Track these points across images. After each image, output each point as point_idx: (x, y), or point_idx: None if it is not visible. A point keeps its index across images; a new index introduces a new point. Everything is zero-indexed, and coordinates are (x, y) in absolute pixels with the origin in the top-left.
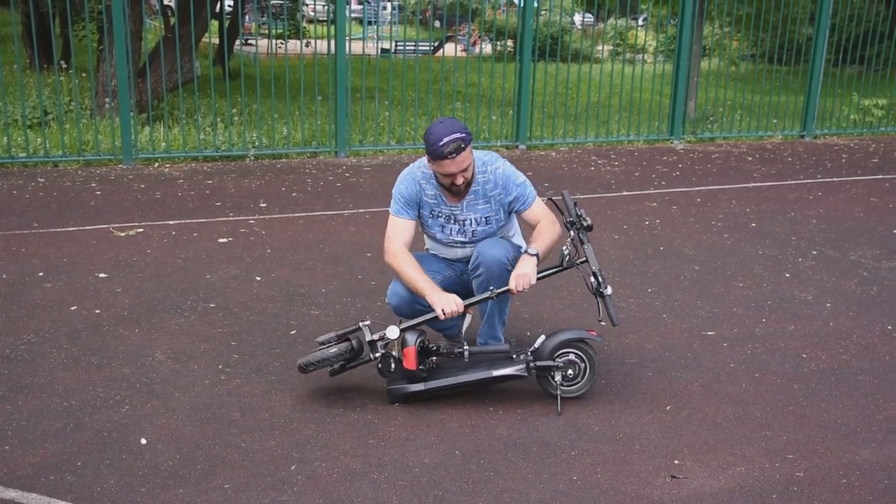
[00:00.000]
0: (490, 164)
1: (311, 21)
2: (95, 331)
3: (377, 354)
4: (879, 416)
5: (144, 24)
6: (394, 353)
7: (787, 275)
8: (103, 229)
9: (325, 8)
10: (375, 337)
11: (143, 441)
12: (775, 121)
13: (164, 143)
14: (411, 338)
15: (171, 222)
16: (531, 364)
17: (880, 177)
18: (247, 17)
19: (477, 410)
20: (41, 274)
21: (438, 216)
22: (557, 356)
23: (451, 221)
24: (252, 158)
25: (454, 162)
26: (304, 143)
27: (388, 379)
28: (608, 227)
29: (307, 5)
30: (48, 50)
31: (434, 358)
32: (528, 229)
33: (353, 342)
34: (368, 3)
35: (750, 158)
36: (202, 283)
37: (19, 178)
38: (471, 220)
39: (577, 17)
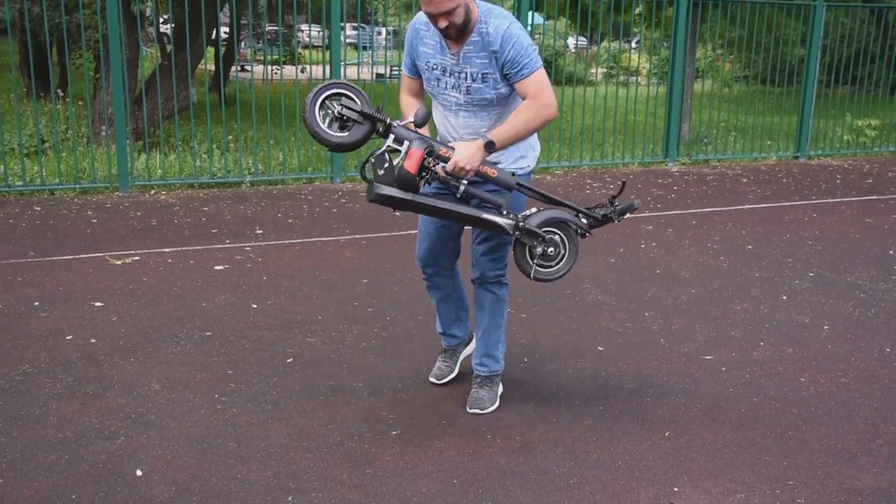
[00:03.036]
0: (494, 17)
1: (306, 47)
2: (91, 360)
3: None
4: (880, 441)
5: (141, 52)
6: (391, 155)
7: (784, 297)
8: (99, 257)
9: (321, 34)
10: (394, 144)
11: (139, 473)
12: (769, 142)
13: (160, 171)
14: (418, 142)
15: (167, 250)
16: (520, 225)
17: (875, 197)
18: (242, 43)
19: (475, 438)
20: (37, 303)
21: (434, 68)
22: (545, 230)
23: (447, 74)
24: (248, 185)
25: (432, 2)
26: (299, 169)
27: (373, 180)
28: (604, 251)
29: (302, 31)
30: (45, 78)
31: (428, 177)
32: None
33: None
34: (363, 28)
35: (745, 180)
36: (198, 312)
37: (16, 207)
38: (467, 73)
39: (571, 41)
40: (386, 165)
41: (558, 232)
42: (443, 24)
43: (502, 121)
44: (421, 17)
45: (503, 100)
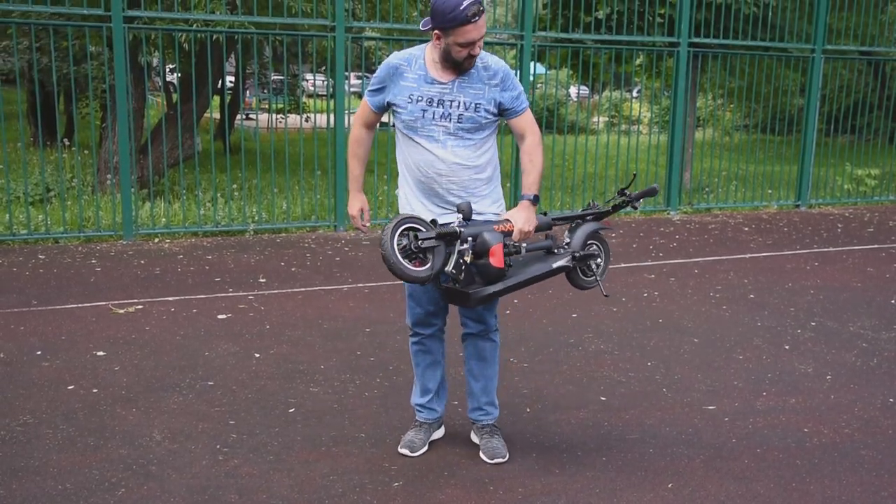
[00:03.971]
0: (488, 55)
1: (310, 96)
2: (92, 411)
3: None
4: (884, 493)
5: (147, 101)
6: (465, 257)
7: (787, 346)
8: (103, 306)
9: (325, 83)
10: (463, 246)
11: None
12: (770, 191)
13: (164, 219)
14: (493, 237)
15: (170, 299)
16: (576, 255)
17: (876, 246)
18: (248, 92)
19: (477, 490)
20: (39, 352)
21: (419, 100)
22: (586, 246)
23: (434, 104)
24: (252, 233)
25: (476, 27)
26: (303, 217)
27: (457, 286)
28: (606, 300)
29: (307, 80)
30: (52, 127)
31: (510, 261)
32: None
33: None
34: (367, 77)
35: (746, 229)
36: (201, 361)
37: (20, 256)
38: (459, 102)
39: (573, 90)
40: (463, 268)
41: (594, 242)
42: (477, 49)
43: (484, 147)
44: (399, 54)
45: (487, 126)
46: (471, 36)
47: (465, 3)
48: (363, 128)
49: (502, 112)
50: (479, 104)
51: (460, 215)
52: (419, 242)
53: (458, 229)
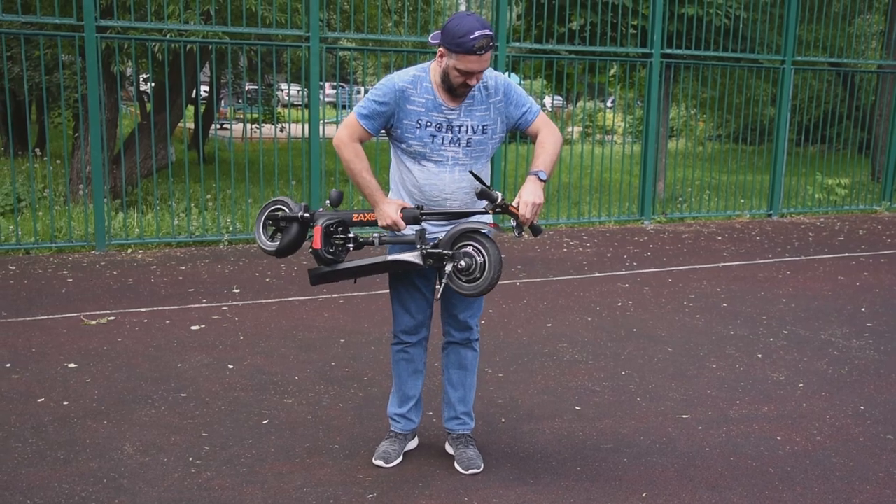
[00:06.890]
0: (489, 71)
1: (285, 106)
2: (63, 424)
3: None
4: (856, 500)
5: (120, 111)
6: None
7: (760, 355)
8: (74, 318)
9: (300, 93)
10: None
11: None
12: (742, 200)
13: (137, 229)
14: (321, 219)
15: (143, 310)
16: (424, 251)
17: (846, 255)
18: (222, 101)
19: (452, 501)
20: (8, 365)
21: (427, 125)
22: (457, 248)
23: (444, 129)
24: (226, 243)
25: (479, 60)
26: None
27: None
28: (581, 310)
29: (282, 90)
30: (23, 137)
31: (350, 245)
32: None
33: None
34: (342, 87)
35: (719, 238)
36: (174, 373)
37: None
38: (467, 126)
39: (548, 100)
40: (311, 251)
41: (470, 242)
42: (474, 81)
43: (484, 170)
44: (403, 75)
45: (492, 149)
46: (471, 67)
47: (476, 34)
48: (357, 142)
49: (516, 126)
50: (487, 126)
51: (327, 201)
52: (264, 223)
53: (298, 214)
